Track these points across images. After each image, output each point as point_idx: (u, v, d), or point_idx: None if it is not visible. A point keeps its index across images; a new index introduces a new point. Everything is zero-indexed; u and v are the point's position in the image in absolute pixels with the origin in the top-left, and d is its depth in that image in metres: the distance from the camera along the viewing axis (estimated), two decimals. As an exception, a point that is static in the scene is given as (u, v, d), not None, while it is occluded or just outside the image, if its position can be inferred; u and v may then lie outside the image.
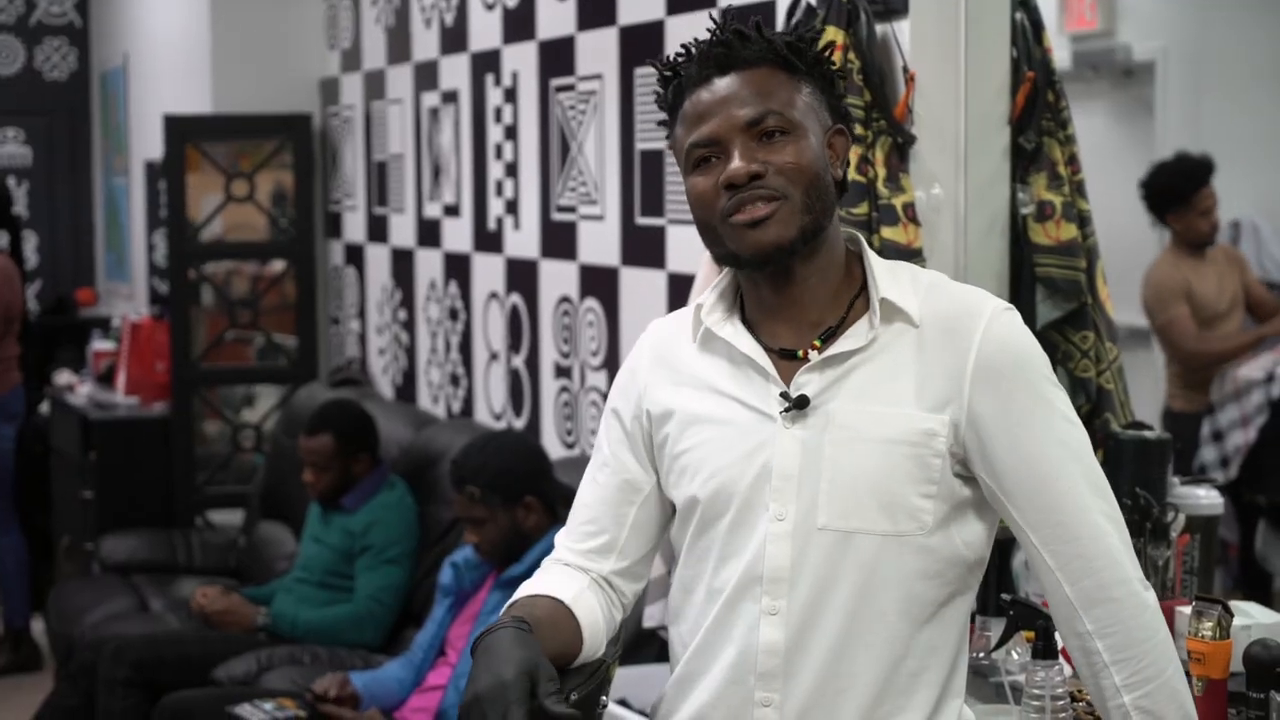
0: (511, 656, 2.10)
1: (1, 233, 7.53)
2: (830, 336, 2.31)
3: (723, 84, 2.29)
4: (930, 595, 2.28)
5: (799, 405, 2.27)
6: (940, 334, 2.28)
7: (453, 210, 6.37)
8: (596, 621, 2.37)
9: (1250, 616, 2.98)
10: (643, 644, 4.15)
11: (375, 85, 7.09)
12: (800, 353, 2.31)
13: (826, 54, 2.36)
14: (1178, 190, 6.36)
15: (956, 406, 2.25)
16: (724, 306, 2.39)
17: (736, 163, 2.26)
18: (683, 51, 2.36)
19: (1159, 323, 6.31)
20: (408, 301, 6.85)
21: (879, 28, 3.69)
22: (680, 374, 2.40)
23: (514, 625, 2.17)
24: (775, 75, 2.30)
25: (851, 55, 3.62)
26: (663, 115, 2.40)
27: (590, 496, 2.48)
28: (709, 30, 2.35)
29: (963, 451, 2.27)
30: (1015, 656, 3.08)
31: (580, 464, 2.58)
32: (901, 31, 3.69)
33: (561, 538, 2.49)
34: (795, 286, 2.32)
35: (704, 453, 2.33)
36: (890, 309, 2.29)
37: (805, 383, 2.29)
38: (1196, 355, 6.25)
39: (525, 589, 2.39)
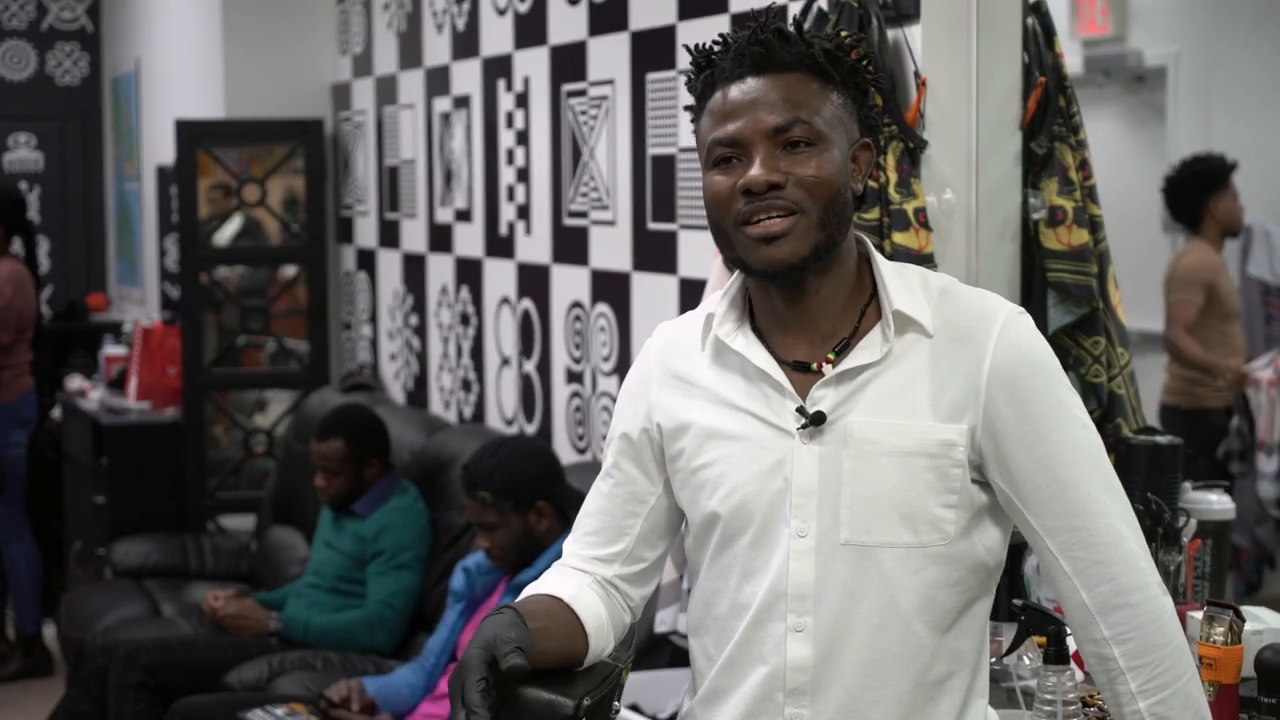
0: (479, 634, 2.13)
1: (15, 239, 7.54)
2: (843, 349, 2.29)
3: (754, 84, 2.26)
4: (953, 603, 2.27)
5: (815, 422, 2.26)
6: (954, 342, 2.26)
7: (464, 215, 6.37)
8: (600, 617, 2.36)
9: (1262, 621, 2.98)
10: (654, 649, 4.15)
11: (387, 90, 7.10)
12: (814, 366, 2.29)
13: (865, 64, 2.32)
14: (1220, 175, 6.42)
15: (973, 414, 2.24)
16: (735, 315, 2.37)
17: (757, 170, 2.23)
18: (720, 42, 2.32)
19: (1171, 298, 6.41)
20: (419, 307, 6.85)
21: (890, 33, 3.69)
22: (693, 386, 2.37)
23: (498, 610, 2.19)
24: (808, 83, 2.27)
25: (863, 60, 3.62)
26: (676, 111, 2.38)
27: (595, 506, 2.48)
28: (749, 26, 2.31)
29: (979, 458, 2.26)
30: (1027, 662, 3.08)
31: (592, 469, 2.58)
32: (913, 36, 3.69)
33: (568, 545, 2.49)
34: (807, 299, 2.30)
35: (723, 469, 2.32)
36: (903, 320, 2.27)
37: (821, 398, 2.27)
38: (1173, 341, 6.39)
39: (526, 593, 2.39)
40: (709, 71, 2.32)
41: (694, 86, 2.35)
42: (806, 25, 3.71)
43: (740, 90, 2.27)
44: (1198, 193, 6.43)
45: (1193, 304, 6.35)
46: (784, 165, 2.24)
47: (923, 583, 2.25)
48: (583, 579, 2.41)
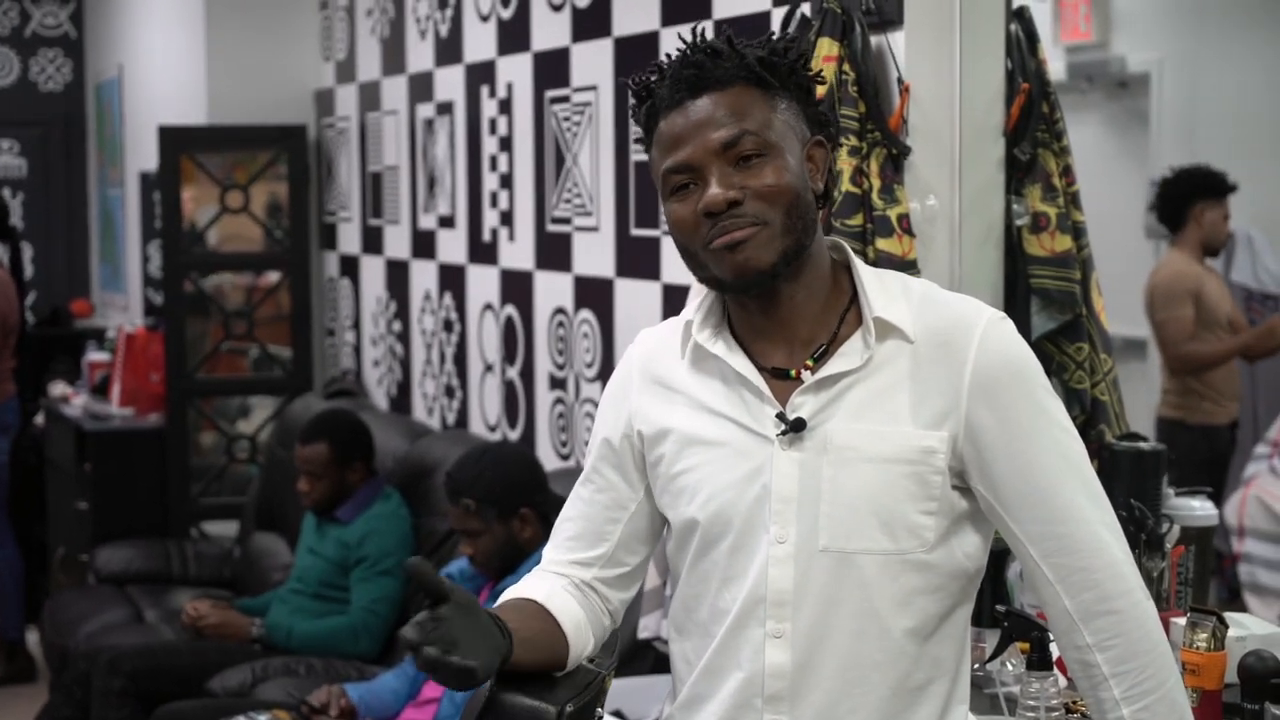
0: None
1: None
2: (822, 355, 2.29)
3: (696, 106, 2.25)
4: (933, 609, 2.27)
5: (795, 428, 2.25)
6: (935, 348, 2.25)
7: (447, 222, 6.37)
8: (577, 619, 2.35)
9: (1245, 628, 2.99)
10: (638, 655, 4.15)
11: (370, 97, 7.09)
12: (793, 373, 2.29)
13: (802, 63, 2.32)
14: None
15: (954, 421, 2.24)
16: (713, 322, 2.37)
17: (714, 190, 2.22)
18: (655, 70, 2.32)
19: (1159, 317, 6.30)
20: (402, 313, 6.85)
21: (873, 39, 3.69)
22: (673, 392, 2.37)
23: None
24: (749, 93, 2.26)
25: (846, 67, 3.61)
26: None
27: (574, 511, 2.48)
28: (679, 49, 2.31)
29: (960, 465, 2.25)
30: (1010, 668, 3.08)
31: (575, 475, 2.57)
32: (896, 43, 3.69)
33: (547, 551, 2.48)
34: (782, 306, 2.29)
35: (702, 475, 2.31)
36: (884, 327, 2.27)
37: (801, 404, 2.27)
38: (1185, 358, 6.25)
39: (499, 600, 2.38)
40: (650, 102, 2.31)
41: (638, 118, 2.35)
42: (788, 32, 3.74)
43: (683, 115, 2.26)
44: (1190, 194, 6.39)
45: (1185, 318, 6.24)
46: (739, 180, 2.23)
47: (902, 589, 2.25)
48: (557, 581, 2.41)
